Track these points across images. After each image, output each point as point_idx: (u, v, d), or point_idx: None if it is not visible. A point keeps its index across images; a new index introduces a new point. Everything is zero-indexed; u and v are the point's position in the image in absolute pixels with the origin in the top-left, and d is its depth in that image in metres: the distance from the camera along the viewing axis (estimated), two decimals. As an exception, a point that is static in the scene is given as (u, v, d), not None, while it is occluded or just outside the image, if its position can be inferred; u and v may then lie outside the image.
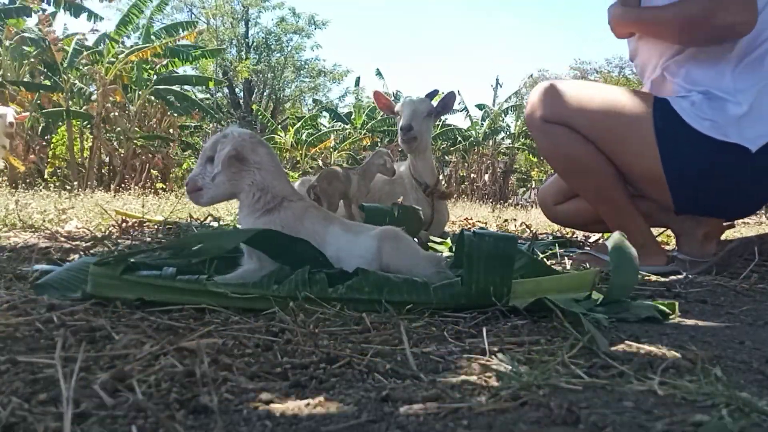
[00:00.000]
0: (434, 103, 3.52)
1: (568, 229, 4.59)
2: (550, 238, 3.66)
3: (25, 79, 10.28)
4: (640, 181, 2.26)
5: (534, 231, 4.31)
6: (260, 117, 17.71)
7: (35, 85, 9.95)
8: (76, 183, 8.00)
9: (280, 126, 16.69)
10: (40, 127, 10.89)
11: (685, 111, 2.07)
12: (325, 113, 18.79)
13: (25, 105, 9.79)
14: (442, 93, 3.61)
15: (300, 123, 16.27)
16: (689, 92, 2.13)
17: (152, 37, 11.39)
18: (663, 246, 2.95)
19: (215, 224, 3.63)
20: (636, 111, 2.16)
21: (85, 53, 10.37)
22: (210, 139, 1.67)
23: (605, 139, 2.20)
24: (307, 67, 27.53)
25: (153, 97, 11.49)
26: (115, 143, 11.32)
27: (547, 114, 2.26)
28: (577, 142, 2.22)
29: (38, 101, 10.12)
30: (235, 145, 1.58)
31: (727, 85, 2.05)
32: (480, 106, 18.42)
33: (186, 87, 12.49)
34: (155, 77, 11.24)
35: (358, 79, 21.35)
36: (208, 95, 23.03)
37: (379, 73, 17.85)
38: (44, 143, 10.76)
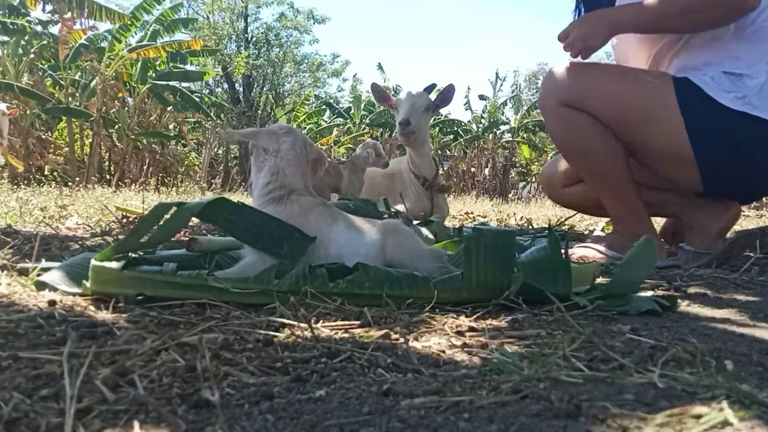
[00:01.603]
0: (432, 96, 3.52)
1: (570, 222, 4.59)
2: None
3: (25, 76, 10.26)
4: (665, 163, 2.20)
5: (533, 224, 4.31)
6: (262, 109, 17.67)
7: (29, 92, 9.81)
8: (78, 179, 8.01)
9: (285, 117, 16.64)
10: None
11: (708, 85, 2.01)
12: (325, 107, 18.80)
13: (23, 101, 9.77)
14: (440, 88, 3.61)
15: (302, 118, 16.26)
16: (703, 73, 2.07)
17: (151, 31, 11.34)
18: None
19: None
20: (657, 89, 2.09)
21: (85, 50, 10.33)
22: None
23: (626, 122, 2.13)
24: (306, 61, 27.46)
25: (152, 94, 11.47)
26: (114, 139, 11.32)
27: (563, 97, 2.19)
28: (592, 126, 2.15)
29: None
30: (261, 132, 1.67)
31: (737, 59, 2.01)
32: (482, 97, 18.41)
33: (184, 84, 12.45)
34: (154, 74, 11.22)
35: (355, 75, 20.78)
36: (208, 91, 22.98)
37: (380, 67, 17.86)
38: (49, 140, 10.76)
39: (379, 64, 17.89)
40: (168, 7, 11.47)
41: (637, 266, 1.43)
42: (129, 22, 10.58)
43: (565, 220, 3.49)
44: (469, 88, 18.05)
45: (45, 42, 10.25)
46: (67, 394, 0.69)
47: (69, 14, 9.77)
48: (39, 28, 10.39)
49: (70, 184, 7.47)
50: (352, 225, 1.61)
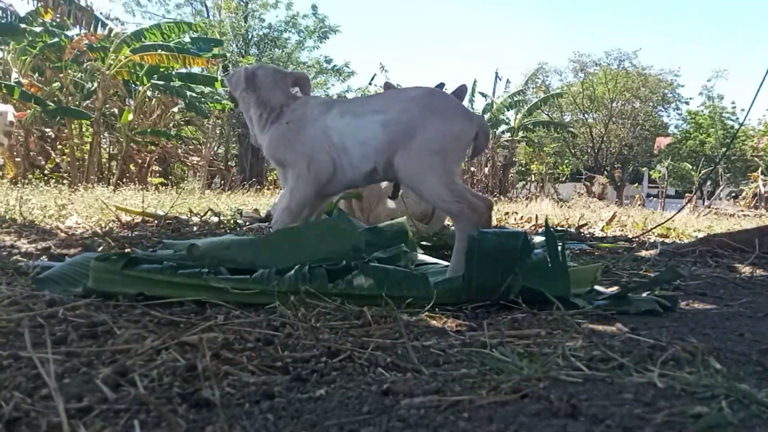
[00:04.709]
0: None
1: (567, 222, 4.59)
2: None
3: (27, 74, 10.25)
4: None
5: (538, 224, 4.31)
6: None
7: (27, 95, 9.76)
8: (88, 180, 8.01)
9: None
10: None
11: None
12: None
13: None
14: (447, 89, 3.60)
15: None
16: None
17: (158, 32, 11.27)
18: (662, 237, 2.94)
19: (215, 219, 3.63)
20: None
21: (89, 50, 10.29)
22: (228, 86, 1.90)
23: None
24: (308, 63, 27.36)
25: (156, 93, 11.44)
26: (117, 135, 11.31)
27: None
28: None
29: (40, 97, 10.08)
30: (243, 71, 1.80)
31: None
32: (483, 94, 18.35)
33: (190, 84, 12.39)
34: (157, 75, 11.19)
35: (373, 77, 20.19)
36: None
37: (382, 67, 17.90)
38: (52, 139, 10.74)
39: (381, 64, 17.89)
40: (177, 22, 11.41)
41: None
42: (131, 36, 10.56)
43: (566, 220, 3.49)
44: (476, 81, 17.90)
45: (53, 41, 10.21)
46: (52, 390, 0.70)
47: (97, 29, 9.84)
48: (56, 30, 10.37)
49: (69, 182, 7.47)
50: (348, 110, 1.66)
